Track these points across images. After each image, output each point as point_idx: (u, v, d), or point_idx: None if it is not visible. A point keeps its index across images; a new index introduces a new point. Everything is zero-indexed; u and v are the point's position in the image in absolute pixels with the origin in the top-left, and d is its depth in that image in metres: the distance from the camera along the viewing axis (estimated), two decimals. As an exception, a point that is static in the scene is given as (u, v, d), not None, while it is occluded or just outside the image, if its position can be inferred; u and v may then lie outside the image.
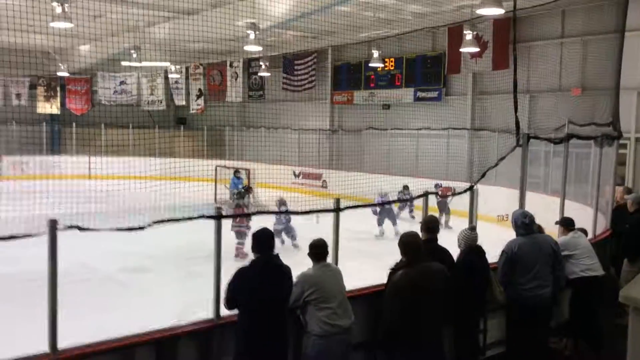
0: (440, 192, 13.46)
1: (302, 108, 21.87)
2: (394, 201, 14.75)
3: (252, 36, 15.34)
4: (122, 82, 25.06)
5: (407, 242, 4.61)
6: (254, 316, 4.46)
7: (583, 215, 8.70)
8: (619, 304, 3.55)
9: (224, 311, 4.69)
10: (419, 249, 4.60)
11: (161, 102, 25.66)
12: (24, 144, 23.08)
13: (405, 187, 15.69)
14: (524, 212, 6.03)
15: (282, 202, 12.16)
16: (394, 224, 13.73)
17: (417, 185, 12.76)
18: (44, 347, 4.04)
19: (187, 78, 25.34)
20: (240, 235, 10.93)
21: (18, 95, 24.95)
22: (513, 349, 6.16)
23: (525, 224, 5.91)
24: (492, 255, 6.10)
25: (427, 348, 4.42)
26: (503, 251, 5.96)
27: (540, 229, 6.26)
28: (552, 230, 6.97)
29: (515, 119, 6.96)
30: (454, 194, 11.22)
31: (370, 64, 19.77)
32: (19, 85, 24.83)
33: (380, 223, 13.83)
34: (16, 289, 8.19)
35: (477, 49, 15.78)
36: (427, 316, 4.43)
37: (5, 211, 7.05)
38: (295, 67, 22.46)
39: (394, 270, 4.61)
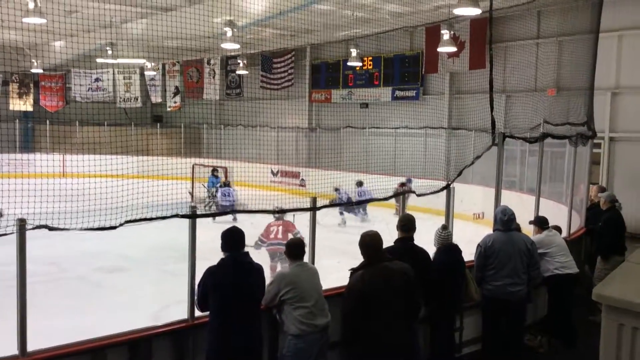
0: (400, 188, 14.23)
1: (280, 106, 21.78)
2: (382, 199, 14.96)
3: (229, 34, 15.23)
4: (97, 79, 24.69)
5: (364, 242, 4.50)
6: (225, 315, 4.41)
7: (558, 214, 8.81)
8: (592, 302, 3.57)
9: (199, 311, 4.64)
10: (377, 249, 4.50)
11: (137, 99, 25.34)
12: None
13: (359, 183, 15.90)
14: (505, 209, 6.06)
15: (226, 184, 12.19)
16: (356, 214, 14.61)
17: (395, 183, 12.80)
18: (13, 350, 3.94)
19: (163, 75, 25.08)
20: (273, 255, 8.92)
21: (-11, 92, 24.45)
22: (488, 346, 6.20)
23: (503, 220, 5.94)
24: (468, 253, 6.13)
25: (388, 348, 4.33)
26: (478, 245, 6.00)
27: (518, 228, 6.30)
28: (526, 228, 7.03)
29: (491, 118, 7.01)
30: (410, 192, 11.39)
31: (348, 63, 19.75)
32: (-10, 82, 24.33)
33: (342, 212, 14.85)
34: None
35: (454, 49, 15.87)
36: (386, 317, 4.32)
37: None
38: (274, 65, 22.37)
39: (353, 271, 4.53)
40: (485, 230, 6.76)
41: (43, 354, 4.02)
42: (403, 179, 15.48)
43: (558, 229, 7.41)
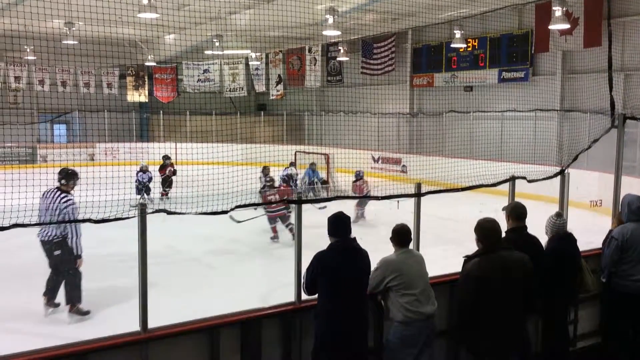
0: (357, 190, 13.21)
1: (381, 92, 21.63)
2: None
3: (330, 20, 15.27)
4: (205, 71, 25.71)
5: (483, 228, 4.33)
6: (334, 299, 4.46)
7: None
8: None
9: (306, 295, 4.72)
10: (496, 236, 4.32)
11: (242, 89, 26.14)
12: (115, 131, 24.30)
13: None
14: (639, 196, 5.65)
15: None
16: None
17: (502, 169, 12.31)
18: (135, 326, 4.22)
19: (267, 64, 25.68)
20: (272, 220, 10.74)
21: (109, 85, 26.15)
22: (610, 340, 5.85)
23: None
24: (584, 242, 5.79)
25: (502, 339, 4.21)
26: (612, 237, 5.60)
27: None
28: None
29: (610, 99, 6.59)
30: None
31: (451, 45, 19.23)
32: (110, 75, 26.02)
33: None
34: (107, 269, 8.60)
35: (567, 26, 14.93)
36: (502, 307, 4.19)
37: (98, 195, 7.49)
38: (374, 51, 22.20)
39: (468, 259, 4.38)
40: (603, 219, 6.36)
41: (162, 331, 4.26)
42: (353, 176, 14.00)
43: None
